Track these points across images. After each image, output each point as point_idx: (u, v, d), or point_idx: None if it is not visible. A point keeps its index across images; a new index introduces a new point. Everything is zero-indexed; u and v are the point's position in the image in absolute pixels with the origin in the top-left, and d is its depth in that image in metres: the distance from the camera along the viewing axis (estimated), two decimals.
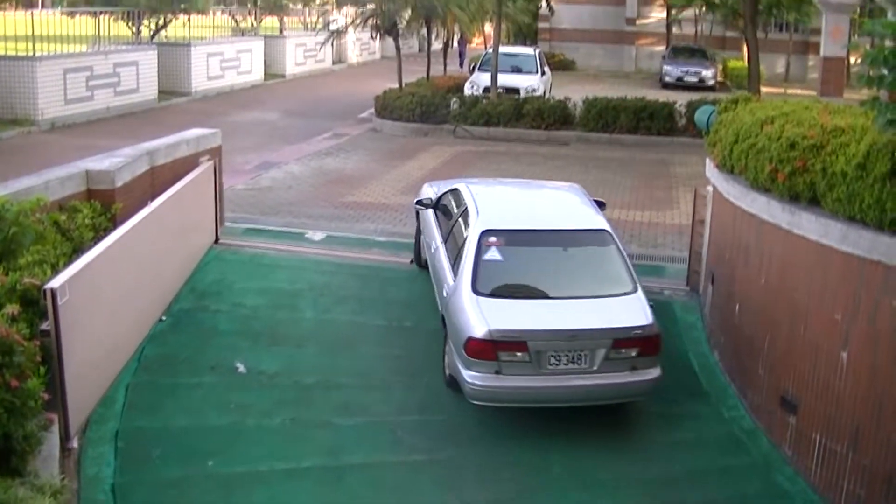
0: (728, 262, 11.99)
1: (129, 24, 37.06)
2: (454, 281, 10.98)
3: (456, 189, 13.11)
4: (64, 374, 8.46)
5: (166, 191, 13.01)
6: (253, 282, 13.78)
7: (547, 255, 11.28)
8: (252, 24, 49.40)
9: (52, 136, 28.12)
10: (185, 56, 39.03)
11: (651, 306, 10.60)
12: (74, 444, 8.84)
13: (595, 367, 10.22)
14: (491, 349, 9.99)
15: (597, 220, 11.91)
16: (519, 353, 10.08)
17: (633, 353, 10.29)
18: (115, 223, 11.95)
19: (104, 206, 12.20)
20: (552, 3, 36.15)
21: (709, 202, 13.40)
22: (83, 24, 35.05)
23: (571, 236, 11.62)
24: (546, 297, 10.77)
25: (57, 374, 8.36)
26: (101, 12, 35.69)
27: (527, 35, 55.24)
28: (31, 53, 30.58)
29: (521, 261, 11.19)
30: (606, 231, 11.57)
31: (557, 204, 13.31)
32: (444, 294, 11.25)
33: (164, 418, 9.86)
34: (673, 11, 51.52)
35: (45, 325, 8.50)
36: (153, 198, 12.66)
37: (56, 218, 11.03)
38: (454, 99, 30.14)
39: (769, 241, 10.29)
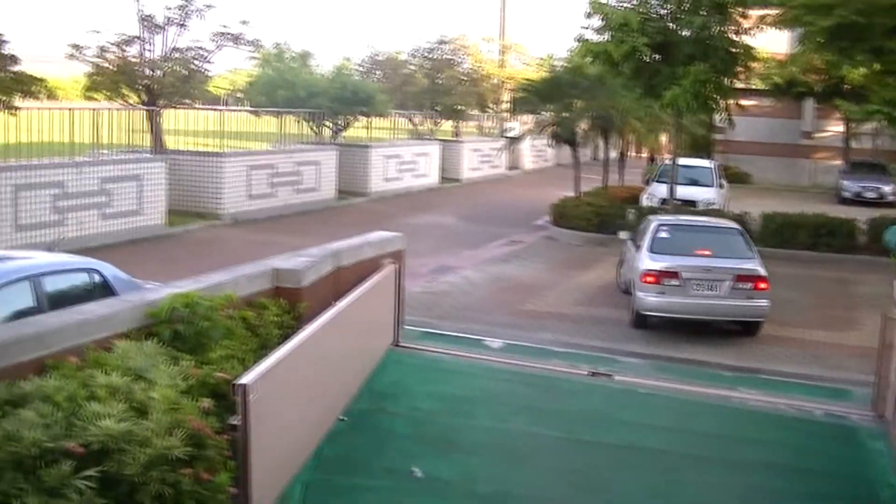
0: None
1: (312, 124, 38.02)
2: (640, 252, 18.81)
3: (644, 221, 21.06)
4: (250, 469, 8.51)
5: (350, 291, 13.14)
6: (430, 386, 13.78)
7: (696, 236, 19.58)
8: (430, 128, 50.18)
9: (235, 230, 28.88)
10: (364, 157, 39.88)
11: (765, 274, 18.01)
12: None
13: (723, 294, 17.79)
14: (656, 277, 17.91)
15: (732, 223, 21.68)
16: (674, 281, 17.79)
17: (749, 287, 17.85)
18: (299, 322, 12.10)
19: (290, 305, 12.35)
20: (732, 116, 35.73)
21: None
22: (267, 123, 36.16)
23: (715, 226, 21.42)
24: (694, 255, 18.45)
25: (242, 469, 8.42)
26: (284, 113, 36.73)
27: (701, 146, 54.89)
28: (218, 150, 31.56)
29: (681, 239, 19.22)
30: (738, 229, 20.45)
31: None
32: (633, 264, 19.18)
33: None
34: (851, 125, 50.60)
35: (233, 420, 8.58)
36: (337, 298, 12.79)
37: (245, 314, 11.21)
38: (630, 210, 29.97)
39: None
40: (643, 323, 18.55)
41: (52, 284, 11.30)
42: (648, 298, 18.02)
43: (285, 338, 11.20)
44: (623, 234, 22.30)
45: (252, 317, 11.34)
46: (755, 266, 18.22)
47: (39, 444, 6.92)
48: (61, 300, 10.92)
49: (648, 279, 17.98)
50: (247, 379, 8.50)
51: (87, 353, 8.98)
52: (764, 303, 17.94)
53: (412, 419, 12.48)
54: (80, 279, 11.93)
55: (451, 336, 16.79)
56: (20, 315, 10.31)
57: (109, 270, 12.34)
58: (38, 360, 8.65)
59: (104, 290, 11.79)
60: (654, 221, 20.10)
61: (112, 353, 8.97)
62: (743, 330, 18.60)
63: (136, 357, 8.90)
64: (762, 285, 17.85)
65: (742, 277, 17.84)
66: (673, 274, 17.85)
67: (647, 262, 18.27)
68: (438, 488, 10.65)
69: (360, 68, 50.46)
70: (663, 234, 19.25)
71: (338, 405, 12.18)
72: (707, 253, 18.58)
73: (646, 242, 19.03)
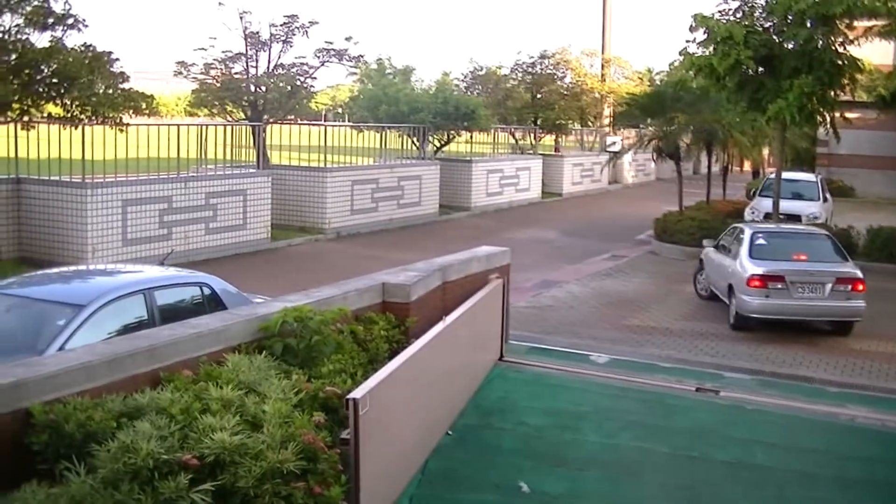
0: None
1: (414, 139, 38.20)
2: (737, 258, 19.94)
3: (729, 229, 22.57)
4: (360, 483, 8.53)
5: (457, 306, 13.15)
6: (537, 401, 13.71)
7: (790, 242, 20.76)
8: (531, 143, 50.13)
9: (338, 244, 29.12)
10: (466, 172, 39.98)
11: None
12: None
13: (825, 295, 18.88)
14: (762, 281, 18.83)
15: (821, 230, 23.12)
16: (779, 284, 18.78)
17: (848, 288, 18.93)
18: (408, 336, 12.14)
19: (398, 319, 12.40)
20: (837, 129, 35.17)
21: None
22: (369, 138, 36.39)
23: (806, 232, 22.62)
24: (792, 259, 19.54)
25: (353, 483, 8.44)
26: (387, 128, 36.95)
27: (804, 160, 54.09)
28: (322, 165, 31.84)
29: (778, 245, 20.28)
30: (827, 235, 21.77)
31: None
32: (730, 269, 20.17)
33: None
34: None
35: (344, 434, 8.62)
36: (444, 313, 12.79)
37: (354, 329, 11.27)
38: (735, 225, 29.63)
39: None
40: (744, 325, 19.41)
41: (164, 298, 11.48)
42: (754, 301, 18.95)
43: (394, 352, 11.26)
44: (707, 242, 23.21)
45: (361, 331, 11.40)
46: (853, 269, 19.51)
47: (155, 455, 7.01)
48: (173, 313, 11.09)
49: (755, 283, 18.84)
50: (358, 393, 8.52)
51: (200, 367, 9.11)
52: (861, 303, 19.09)
53: (519, 434, 12.42)
54: (191, 293, 12.09)
55: (556, 351, 16.73)
56: (134, 328, 10.49)
57: (219, 284, 12.50)
58: (153, 373, 8.80)
59: (214, 303, 11.95)
60: (748, 229, 20.98)
61: (224, 367, 9.09)
62: (836, 330, 19.68)
63: (247, 371, 9.00)
64: (860, 287, 19.00)
65: (842, 280, 18.99)
66: (779, 278, 18.86)
67: (752, 267, 19.22)
68: (545, 503, 10.59)
69: (462, 83, 50.52)
70: (761, 241, 20.20)
71: (445, 420, 12.18)
72: (804, 258, 19.71)
73: (744, 249, 19.90)
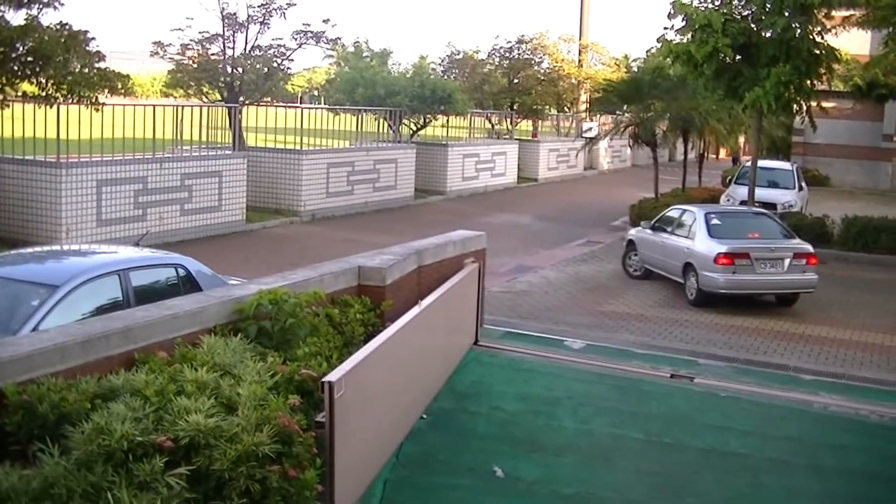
0: None
1: (390, 123, 38.13)
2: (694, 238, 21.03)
3: (670, 210, 23.55)
4: (334, 466, 8.52)
5: (432, 290, 13.16)
6: (511, 386, 13.74)
7: (741, 222, 22.45)
8: (507, 128, 50.11)
9: (313, 227, 29.06)
10: (442, 156, 39.95)
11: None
12: None
13: (784, 270, 20.37)
14: (730, 259, 19.93)
15: (764, 210, 24.63)
16: (745, 261, 20.02)
17: (803, 262, 20.44)
18: (383, 320, 12.13)
19: (374, 303, 12.39)
20: (814, 118, 34.99)
21: None
22: (345, 121, 36.29)
23: (751, 212, 23.93)
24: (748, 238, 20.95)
25: (328, 466, 8.43)
26: (363, 111, 36.87)
27: (780, 149, 54.21)
28: (298, 147, 31.76)
29: (731, 225, 21.70)
30: (770, 214, 23.59)
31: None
32: (686, 248, 21.09)
33: None
34: None
35: (319, 417, 8.61)
36: (420, 297, 12.79)
37: (330, 312, 11.25)
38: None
39: None
40: (705, 301, 20.53)
41: (139, 279, 11.41)
42: (721, 278, 20.08)
43: (369, 336, 11.26)
44: (644, 223, 24.03)
45: (337, 314, 11.38)
46: (807, 245, 21.20)
47: (130, 437, 6.98)
48: (148, 295, 11.02)
49: (723, 260, 19.95)
50: (333, 376, 8.51)
51: (175, 348, 9.07)
52: (814, 276, 20.66)
53: (493, 419, 12.45)
54: (166, 274, 12.04)
55: (531, 336, 16.77)
56: (108, 309, 10.42)
57: (194, 266, 12.43)
58: (127, 354, 8.76)
59: (189, 285, 11.88)
60: (697, 210, 22.27)
61: (199, 349, 9.06)
62: (781, 303, 21.37)
63: (223, 353, 8.97)
64: (813, 261, 20.62)
65: (798, 255, 20.58)
66: (744, 255, 20.14)
67: (717, 245, 20.32)
68: (520, 488, 10.59)
69: (439, 67, 50.40)
70: (716, 221, 21.42)
71: (420, 404, 12.19)
72: (756, 235, 21.25)
73: (700, 229, 21.05)
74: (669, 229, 22.42)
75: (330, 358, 9.99)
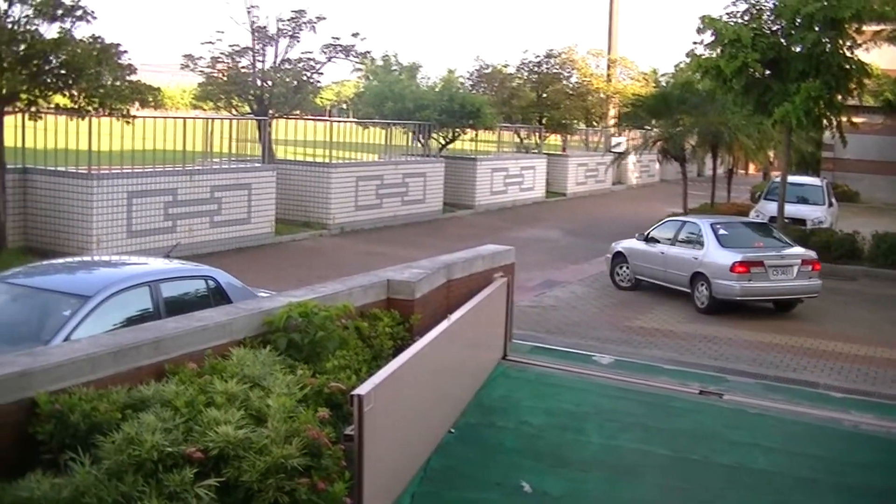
0: None
1: (420, 136, 38.20)
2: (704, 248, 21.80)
3: (665, 223, 24.42)
4: (363, 480, 8.53)
5: (461, 304, 13.16)
6: (539, 401, 13.71)
7: (744, 232, 23.21)
8: (536, 142, 50.11)
9: (342, 240, 29.13)
10: (470, 170, 40.02)
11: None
12: None
13: (793, 276, 21.33)
14: (746, 267, 20.76)
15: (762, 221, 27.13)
16: (759, 269, 20.88)
17: (809, 269, 21.53)
18: (412, 333, 12.13)
19: (402, 316, 12.38)
20: (844, 134, 34.80)
21: None
22: (373, 134, 36.39)
23: (752, 222, 26.31)
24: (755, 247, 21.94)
25: (356, 479, 8.43)
26: (392, 124, 36.96)
27: (809, 164, 53.99)
28: (327, 160, 31.85)
29: (737, 234, 22.56)
30: (769, 225, 25.09)
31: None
32: (695, 258, 21.75)
33: None
34: None
35: (348, 430, 8.61)
36: (448, 311, 12.80)
37: (359, 325, 11.27)
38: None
39: None
40: (717, 308, 21.24)
41: (170, 290, 11.46)
42: (737, 285, 20.91)
43: (398, 349, 11.26)
44: (638, 236, 24.19)
45: (366, 328, 11.40)
46: (812, 253, 22.31)
47: (160, 448, 7.00)
48: (178, 306, 11.07)
49: (740, 269, 20.78)
50: (363, 390, 8.52)
51: (205, 360, 9.10)
52: (819, 281, 21.86)
53: (521, 434, 12.43)
54: (196, 286, 12.09)
55: (559, 351, 16.76)
56: (139, 320, 10.47)
57: (224, 278, 12.49)
58: (157, 365, 8.80)
59: (219, 297, 11.93)
60: (700, 221, 23.17)
61: (229, 361, 9.08)
62: (780, 310, 22.17)
63: (252, 365, 8.99)
64: (818, 267, 21.87)
65: (805, 262, 21.65)
66: (759, 263, 21.01)
67: (731, 255, 21.17)
68: (546, 503, 10.59)
69: (468, 81, 50.47)
70: (724, 232, 22.27)
71: (448, 418, 12.19)
72: (761, 245, 22.25)
73: (710, 240, 21.84)
74: (669, 240, 23.06)
75: (359, 371, 10.01)
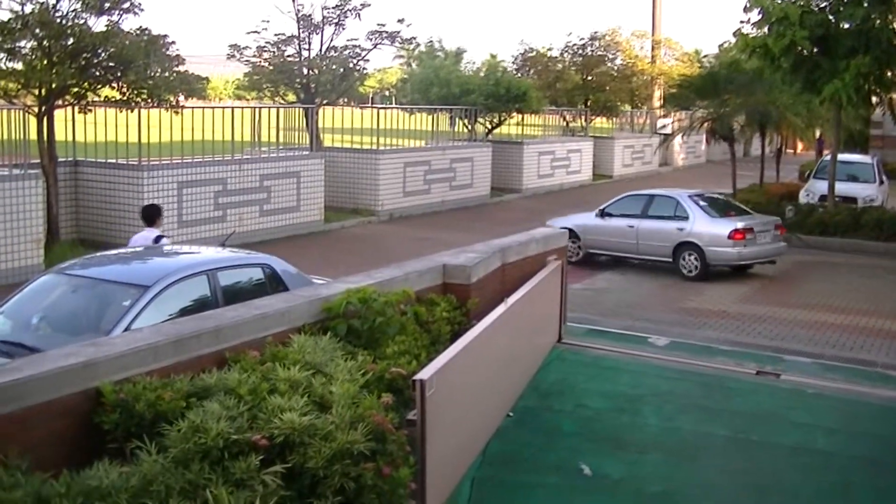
0: None
1: (466, 121, 38.14)
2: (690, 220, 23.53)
3: (624, 198, 25.41)
4: (426, 464, 8.54)
5: (516, 288, 13.12)
6: (595, 384, 13.67)
7: (714, 203, 24.75)
8: (582, 125, 49.94)
9: (391, 226, 29.17)
10: (517, 154, 40.00)
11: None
12: None
13: (770, 240, 23.67)
14: (743, 234, 22.78)
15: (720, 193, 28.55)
16: (751, 235, 22.92)
17: (778, 233, 24.02)
18: (469, 318, 12.12)
19: (459, 301, 12.36)
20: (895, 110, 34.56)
21: None
22: (420, 120, 36.36)
23: (712, 195, 26.41)
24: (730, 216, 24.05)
25: (419, 464, 8.44)
26: (438, 110, 36.92)
27: (857, 142, 53.46)
28: (374, 147, 31.87)
29: (713, 206, 24.40)
30: (729, 195, 28.08)
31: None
32: (679, 229, 23.27)
33: None
34: None
35: (410, 415, 8.62)
36: (503, 294, 12.76)
37: (418, 310, 11.25)
38: (789, 207, 29.44)
39: None
40: (708, 275, 23.06)
41: (227, 279, 11.52)
42: (734, 251, 22.98)
43: (455, 334, 11.25)
44: (596, 212, 25.27)
45: (424, 313, 11.37)
46: (777, 218, 25.23)
47: (225, 435, 7.02)
48: (235, 294, 11.12)
49: (738, 236, 22.85)
50: (425, 374, 8.52)
51: (266, 347, 9.13)
52: (784, 243, 24.48)
53: (579, 417, 12.40)
54: (253, 274, 12.13)
55: (614, 333, 16.71)
56: (197, 309, 10.50)
57: (280, 265, 12.52)
58: (218, 354, 8.82)
59: (276, 284, 11.96)
60: (675, 195, 24.77)
61: (289, 348, 9.10)
62: (736, 272, 23.85)
63: (313, 352, 9.00)
64: (783, 230, 24.63)
65: (777, 227, 24.16)
66: (750, 230, 23.11)
67: (727, 223, 23.25)
68: (606, 486, 10.53)
69: (512, 64, 50.36)
70: (704, 203, 24.20)
71: (505, 402, 12.18)
72: (733, 214, 24.27)
73: (695, 212, 23.60)
74: (636, 216, 24.34)
75: (418, 356, 10.00)
